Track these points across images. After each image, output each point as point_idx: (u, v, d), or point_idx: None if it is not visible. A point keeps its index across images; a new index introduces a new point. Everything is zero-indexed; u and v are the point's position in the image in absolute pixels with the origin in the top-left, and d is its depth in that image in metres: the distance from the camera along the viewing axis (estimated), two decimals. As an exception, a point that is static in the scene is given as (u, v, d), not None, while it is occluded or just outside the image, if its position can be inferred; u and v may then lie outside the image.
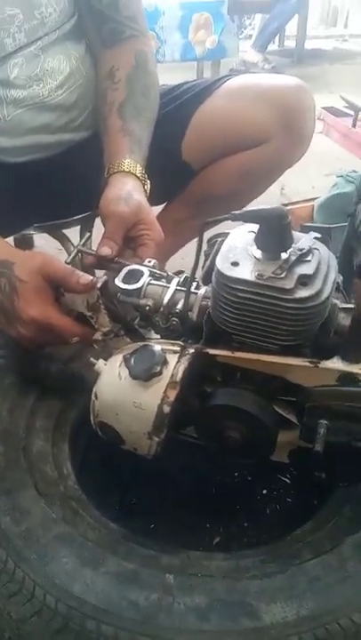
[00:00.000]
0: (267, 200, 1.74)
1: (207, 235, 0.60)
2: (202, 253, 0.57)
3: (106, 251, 0.67)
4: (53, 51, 0.82)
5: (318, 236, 0.55)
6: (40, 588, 0.52)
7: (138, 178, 0.76)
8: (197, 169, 0.97)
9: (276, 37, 4.13)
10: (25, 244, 1.23)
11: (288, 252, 0.52)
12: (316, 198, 1.48)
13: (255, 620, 0.51)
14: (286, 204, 1.53)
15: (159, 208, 1.06)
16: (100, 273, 0.69)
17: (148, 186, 0.78)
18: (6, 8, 0.75)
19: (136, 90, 0.84)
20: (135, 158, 0.77)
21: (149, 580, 0.54)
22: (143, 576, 0.54)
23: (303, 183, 2.11)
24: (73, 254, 0.68)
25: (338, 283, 0.58)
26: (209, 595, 0.53)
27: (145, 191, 0.77)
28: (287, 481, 0.76)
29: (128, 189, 0.73)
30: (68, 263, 0.65)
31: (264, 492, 0.75)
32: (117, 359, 0.57)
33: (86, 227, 1.13)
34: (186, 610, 0.51)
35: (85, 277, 0.60)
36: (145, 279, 0.62)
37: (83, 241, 0.70)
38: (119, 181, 0.74)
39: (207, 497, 0.75)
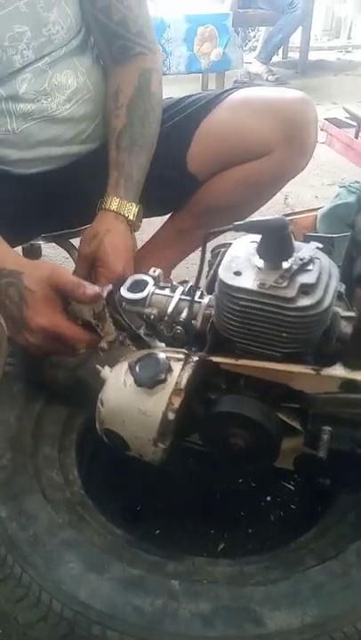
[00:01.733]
0: (271, 209, 1.75)
1: (211, 245, 0.61)
2: (205, 263, 0.58)
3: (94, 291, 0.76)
4: (61, 66, 0.84)
5: (320, 245, 0.56)
6: (46, 593, 0.53)
7: (119, 214, 0.84)
8: (202, 180, 0.98)
9: (280, 49, 4.17)
10: (33, 253, 1.24)
11: (290, 261, 0.52)
12: (319, 208, 1.49)
13: (259, 626, 0.51)
14: (290, 214, 1.55)
15: (164, 218, 1.07)
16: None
17: (135, 214, 0.85)
18: (14, 26, 0.76)
19: (134, 118, 0.88)
20: (120, 194, 0.85)
21: (154, 585, 0.54)
22: (148, 582, 0.54)
23: (306, 193, 2.13)
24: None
25: (340, 291, 0.59)
26: (214, 601, 0.53)
27: (128, 225, 0.85)
28: (291, 488, 0.76)
29: (98, 230, 0.83)
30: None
31: (268, 498, 0.76)
32: (123, 367, 0.58)
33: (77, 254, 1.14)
34: (191, 616, 0.52)
35: (92, 288, 0.62)
36: (150, 288, 0.63)
37: None
38: (98, 220, 0.85)
39: (212, 503, 0.75)
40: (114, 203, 0.84)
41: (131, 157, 0.87)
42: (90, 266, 0.82)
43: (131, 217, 0.85)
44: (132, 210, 0.85)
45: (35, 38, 0.78)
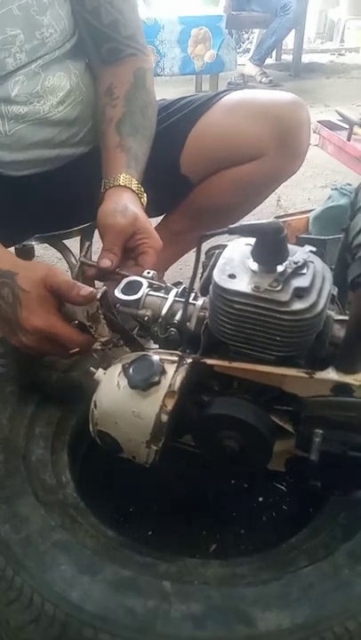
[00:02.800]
0: (264, 211, 1.76)
1: (205, 246, 0.61)
2: (200, 265, 0.59)
3: (106, 263, 0.69)
4: (53, 69, 0.84)
5: (314, 249, 0.57)
6: (38, 595, 0.53)
7: (134, 191, 0.78)
8: (195, 182, 0.99)
9: (274, 51, 4.19)
10: (26, 254, 1.24)
11: (284, 264, 0.53)
12: (311, 210, 1.50)
13: (250, 627, 0.51)
14: (282, 216, 1.55)
15: (158, 220, 1.07)
16: (99, 284, 0.70)
17: (145, 199, 0.80)
18: (7, 29, 0.76)
19: (134, 108, 0.85)
20: (131, 173, 0.79)
21: (146, 587, 0.54)
22: (140, 583, 0.54)
23: (299, 195, 2.14)
24: (77, 268, 0.69)
25: (333, 295, 0.59)
26: (205, 602, 0.53)
27: (142, 204, 0.78)
28: (283, 489, 0.76)
29: (124, 202, 0.75)
30: (75, 278, 0.66)
31: (260, 499, 0.76)
32: (116, 369, 0.58)
33: (86, 237, 1.15)
34: (182, 617, 0.52)
35: (86, 289, 0.61)
36: (144, 290, 0.63)
37: (84, 252, 0.72)
38: (115, 195, 0.77)
39: (204, 504, 0.75)
40: (128, 180, 0.78)
41: (136, 142, 0.82)
42: (125, 241, 0.72)
43: (143, 199, 0.79)
44: (142, 192, 0.79)
45: (28, 41, 0.78)
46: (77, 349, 0.65)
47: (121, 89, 0.87)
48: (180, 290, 0.64)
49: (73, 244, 1.16)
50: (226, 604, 0.53)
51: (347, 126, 2.25)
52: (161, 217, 1.07)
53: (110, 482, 0.75)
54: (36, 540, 0.57)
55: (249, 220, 0.53)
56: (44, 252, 1.58)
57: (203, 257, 0.64)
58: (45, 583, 0.53)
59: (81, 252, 1.15)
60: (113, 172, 0.79)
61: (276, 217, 1.57)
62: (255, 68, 3.84)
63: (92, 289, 0.61)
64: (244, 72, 3.82)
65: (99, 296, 0.62)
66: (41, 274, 0.63)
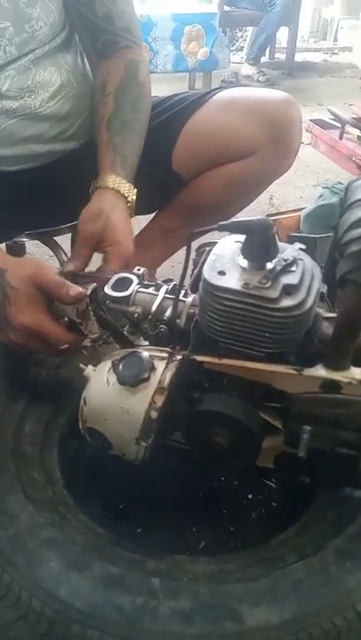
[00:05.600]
0: (256, 209, 1.76)
1: (196, 243, 0.61)
2: (190, 262, 0.59)
3: (69, 267, 0.73)
4: (44, 63, 0.83)
5: (303, 246, 0.57)
6: (26, 591, 0.53)
7: (118, 193, 0.79)
8: (187, 179, 0.98)
9: (267, 49, 4.19)
10: (17, 250, 1.23)
11: (273, 261, 0.53)
12: (302, 208, 1.50)
13: (239, 623, 0.52)
14: (274, 214, 1.56)
15: (150, 217, 1.07)
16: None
17: (133, 196, 0.80)
18: None
19: (124, 103, 0.86)
20: (118, 172, 0.80)
21: (135, 583, 0.54)
22: (129, 580, 0.54)
23: (291, 193, 2.14)
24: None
25: (322, 292, 0.60)
26: (193, 598, 0.53)
27: (127, 206, 0.79)
28: (273, 486, 0.77)
29: (100, 207, 0.77)
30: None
31: (250, 496, 0.76)
32: (106, 365, 0.58)
33: (77, 234, 1.14)
34: (170, 613, 0.52)
35: (75, 289, 0.61)
36: (134, 287, 0.63)
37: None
38: (97, 198, 0.78)
39: (194, 501, 0.75)
40: (112, 181, 0.79)
41: (123, 139, 0.83)
42: (93, 247, 0.76)
43: (131, 197, 0.80)
44: (131, 190, 0.80)
45: (17, 34, 0.77)
46: (66, 347, 0.65)
47: (113, 84, 0.87)
48: (170, 287, 0.64)
49: (64, 240, 1.15)
50: (214, 600, 0.53)
51: (339, 125, 2.26)
52: (152, 214, 1.07)
53: (100, 479, 0.75)
54: (25, 537, 0.57)
55: (241, 217, 0.53)
56: (35, 248, 1.57)
57: (193, 254, 0.64)
58: (33, 580, 0.53)
59: (72, 248, 1.14)
60: (101, 172, 0.81)
61: (267, 215, 1.57)
62: (251, 68, 3.84)
63: (81, 288, 0.61)
64: (242, 73, 3.83)
65: (88, 292, 0.62)
66: (30, 271, 0.63)
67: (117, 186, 0.79)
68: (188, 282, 0.63)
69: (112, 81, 0.87)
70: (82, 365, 0.61)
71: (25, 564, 0.55)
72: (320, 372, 0.54)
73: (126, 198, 0.80)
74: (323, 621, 0.52)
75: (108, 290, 0.63)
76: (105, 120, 0.85)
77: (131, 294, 0.62)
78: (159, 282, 0.65)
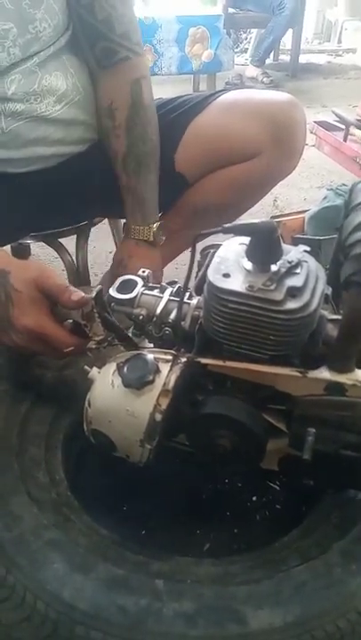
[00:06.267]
0: (260, 211, 1.76)
1: (201, 245, 0.61)
2: (195, 264, 0.59)
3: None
4: (50, 67, 0.83)
5: (308, 248, 0.57)
6: (30, 593, 0.53)
7: (139, 240, 0.93)
8: (191, 180, 0.99)
9: (272, 51, 4.19)
10: (22, 252, 1.24)
11: (278, 264, 0.53)
12: (307, 210, 1.50)
13: (242, 625, 0.52)
14: (278, 216, 1.56)
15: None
16: (94, 284, 0.70)
17: (154, 231, 0.92)
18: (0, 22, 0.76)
19: (135, 139, 0.90)
20: (137, 221, 0.93)
21: (139, 585, 0.54)
22: (133, 582, 0.54)
23: (296, 195, 2.14)
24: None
25: (327, 294, 0.59)
26: (197, 600, 0.53)
27: (148, 245, 0.93)
28: (277, 488, 0.76)
29: (122, 256, 0.95)
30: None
31: (254, 498, 0.76)
32: (111, 367, 0.58)
33: (82, 236, 1.14)
34: (174, 615, 0.52)
35: (77, 294, 0.61)
36: (139, 289, 0.63)
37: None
38: (121, 247, 0.98)
39: (198, 503, 0.75)
40: (133, 232, 0.93)
41: (140, 180, 0.91)
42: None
43: (151, 238, 0.93)
44: (150, 232, 0.92)
45: (21, 35, 0.78)
46: (70, 350, 0.65)
47: (122, 113, 0.89)
48: (174, 289, 0.64)
49: (69, 242, 1.16)
50: (218, 602, 0.53)
51: (343, 127, 2.25)
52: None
53: (104, 481, 0.75)
54: (29, 538, 0.57)
55: (245, 219, 0.53)
56: (40, 250, 1.58)
57: (198, 256, 0.64)
58: (38, 581, 0.53)
59: (77, 250, 1.15)
60: (127, 218, 0.94)
61: (271, 217, 1.57)
62: (256, 70, 3.84)
63: (83, 293, 0.61)
64: (247, 75, 3.83)
65: (93, 295, 0.62)
66: (33, 274, 0.63)
67: (136, 235, 0.93)
68: (192, 284, 0.63)
69: (120, 107, 0.89)
70: (87, 367, 0.61)
71: (29, 565, 0.55)
72: (324, 374, 0.54)
73: (147, 240, 0.93)
74: (326, 624, 0.52)
75: (112, 292, 0.63)
76: (120, 158, 0.91)
77: (135, 296, 0.62)
78: (164, 284, 0.65)
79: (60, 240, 1.13)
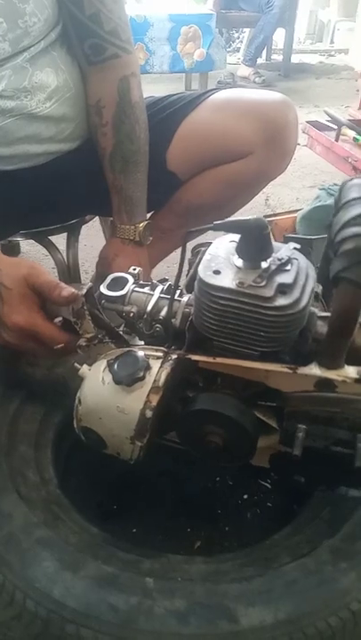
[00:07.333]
0: (252, 210, 1.77)
1: (191, 244, 0.61)
2: (185, 262, 0.59)
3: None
4: (41, 63, 0.82)
5: (298, 246, 0.57)
6: (20, 591, 0.53)
7: (124, 239, 0.92)
8: (183, 179, 0.98)
9: (264, 50, 4.20)
10: (11, 250, 1.23)
11: (268, 261, 0.53)
12: (299, 210, 1.50)
13: (233, 623, 0.51)
14: (270, 215, 1.56)
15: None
16: (84, 281, 0.70)
17: (140, 231, 0.91)
18: None
19: (122, 136, 0.89)
20: (122, 219, 0.92)
21: (129, 583, 0.54)
22: (123, 580, 0.54)
23: (287, 195, 2.15)
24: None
25: (317, 292, 0.60)
26: (188, 598, 0.53)
27: (134, 244, 0.92)
28: (268, 485, 0.77)
29: (107, 253, 0.94)
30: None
31: (245, 496, 0.76)
32: (101, 364, 0.58)
33: (73, 234, 1.14)
34: (165, 613, 0.52)
35: (67, 290, 0.61)
36: (129, 286, 0.63)
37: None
38: (107, 245, 0.97)
39: (189, 501, 0.75)
40: (118, 231, 0.92)
41: (127, 178, 0.90)
42: None
43: (137, 238, 0.92)
44: (136, 231, 0.91)
45: (11, 30, 0.77)
46: (61, 347, 0.64)
47: (109, 110, 0.89)
48: (165, 286, 0.64)
49: (59, 240, 1.15)
50: (209, 600, 0.53)
51: (335, 127, 2.27)
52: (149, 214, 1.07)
53: (94, 478, 0.75)
54: (19, 536, 0.56)
55: (236, 218, 0.53)
56: (30, 247, 1.57)
57: (189, 254, 0.64)
58: (27, 580, 0.53)
59: (68, 248, 1.14)
60: (114, 216, 0.93)
61: (263, 216, 1.57)
62: (248, 69, 3.85)
63: (73, 290, 0.61)
64: (239, 74, 3.83)
65: (84, 292, 0.62)
66: (23, 272, 0.63)
67: (123, 234, 0.92)
68: (183, 282, 0.63)
69: (107, 105, 0.89)
70: (77, 365, 0.61)
71: (18, 563, 0.54)
72: (314, 370, 0.54)
73: (133, 240, 0.91)
74: (317, 621, 0.52)
75: (103, 289, 0.63)
76: (107, 156, 0.91)
77: (126, 294, 0.62)
78: (154, 282, 0.65)
79: (50, 238, 1.13)
